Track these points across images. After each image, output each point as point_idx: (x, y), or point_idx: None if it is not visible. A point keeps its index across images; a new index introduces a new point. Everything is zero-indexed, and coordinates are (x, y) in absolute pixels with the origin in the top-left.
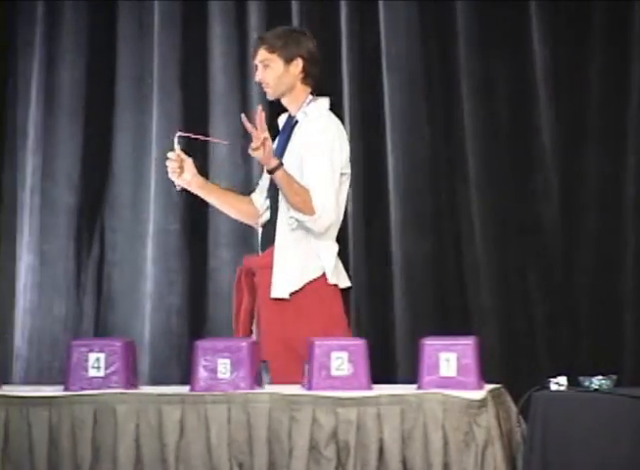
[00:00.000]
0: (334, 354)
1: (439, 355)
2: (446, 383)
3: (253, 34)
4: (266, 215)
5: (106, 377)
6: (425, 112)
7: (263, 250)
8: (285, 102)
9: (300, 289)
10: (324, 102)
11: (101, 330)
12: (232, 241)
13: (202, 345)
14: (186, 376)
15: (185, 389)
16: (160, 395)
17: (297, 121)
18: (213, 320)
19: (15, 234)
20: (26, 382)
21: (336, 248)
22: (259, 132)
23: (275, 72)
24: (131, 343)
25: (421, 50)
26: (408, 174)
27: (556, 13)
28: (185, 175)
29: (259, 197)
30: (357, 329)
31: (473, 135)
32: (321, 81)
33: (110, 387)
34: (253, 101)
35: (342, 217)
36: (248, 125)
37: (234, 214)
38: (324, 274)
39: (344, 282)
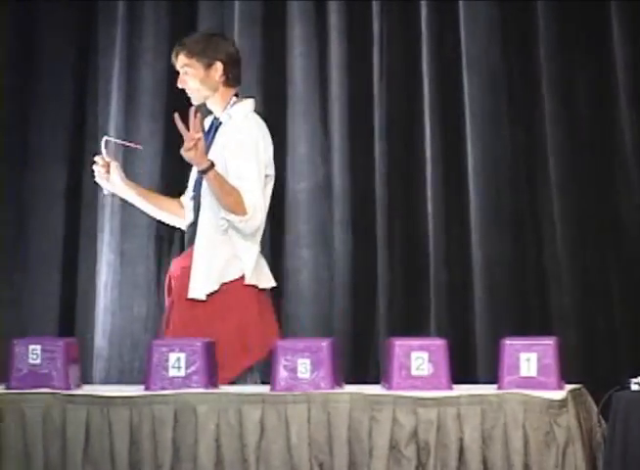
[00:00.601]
0: (414, 354)
1: (520, 356)
2: (527, 383)
3: (334, 34)
4: (190, 217)
5: (186, 377)
6: (505, 112)
7: (187, 251)
8: (209, 104)
9: (216, 290)
10: (248, 103)
11: None
12: (311, 241)
13: (282, 345)
14: (265, 376)
15: (265, 389)
16: (240, 394)
17: (220, 123)
18: (293, 320)
19: (96, 233)
20: (107, 382)
21: (257, 249)
22: (192, 133)
23: (196, 77)
24: (212, 342)
25: (501, 50)
26: (488, 175)
27: (637, 12)
28: (112, 179)
29: (187, 199)
30: (437, 329)
31: (553, 135)
32: (241, 81)
33: (190, 387)
34: (333, 101)
35: (265, 219)
36: (180, 126)
37: (165, 217)
38: (242, 276)
39: (266, 283)
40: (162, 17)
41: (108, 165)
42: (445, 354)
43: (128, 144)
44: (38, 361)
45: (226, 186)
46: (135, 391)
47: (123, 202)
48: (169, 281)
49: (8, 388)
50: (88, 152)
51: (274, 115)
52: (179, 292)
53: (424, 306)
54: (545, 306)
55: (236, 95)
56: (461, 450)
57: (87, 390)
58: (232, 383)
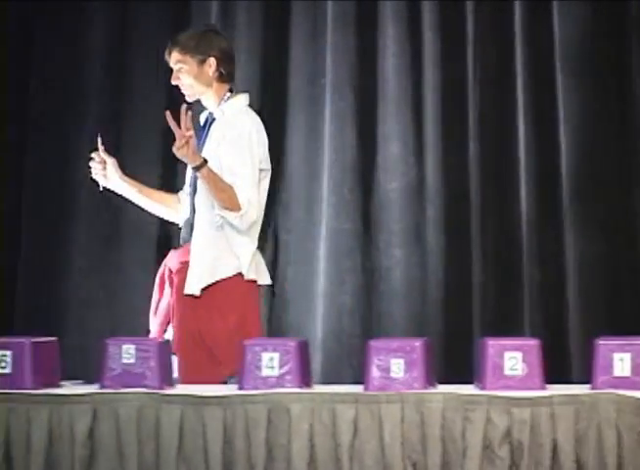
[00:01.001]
0: (507, 354)
1: (613, 356)
2: (620, 383)
3: (428, 34)
4: (186, 213)
5: (280, 377)
6: (599, 111)
7: (184, 246)
8: (203, 100)
9: (213, 285)
10: (242, 98)
11: (275, 330)
12: (404, 240)
13: (375, 344)
14: (357, 375)
15: (358, 388)
16: (333, 394)
17: (214, 119)
18: (386, 319)
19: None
20: None
21: (254, 245)
22: (184, 131)
23: (190, 74)
24: (305, 342)
25: (595, 49)
26: (581, 174)
27: None
28: (110, 175)
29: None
30: (531, 329)
31: None
32: (235, 77)
33: (284, 386)
34: (426, 101)
35: (262, 214)
36: (172, 124)
37: (162, 212)
38: (239, 272)
39: (264, 279)
40: (255, 17)
41: (104, 162)
42: (539, 354)
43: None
44: (132, 361)
45: (219, 183)
46: (228, 390)
47: (122, 198)
48: (164, 272)
49: (101, 387)
50: None
51: (366, 114)
52: (180, 288)
53: (517, 306)
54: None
55: (230, 90)
56: (554, 450)
57: (181, 389)
58: (224, 382)
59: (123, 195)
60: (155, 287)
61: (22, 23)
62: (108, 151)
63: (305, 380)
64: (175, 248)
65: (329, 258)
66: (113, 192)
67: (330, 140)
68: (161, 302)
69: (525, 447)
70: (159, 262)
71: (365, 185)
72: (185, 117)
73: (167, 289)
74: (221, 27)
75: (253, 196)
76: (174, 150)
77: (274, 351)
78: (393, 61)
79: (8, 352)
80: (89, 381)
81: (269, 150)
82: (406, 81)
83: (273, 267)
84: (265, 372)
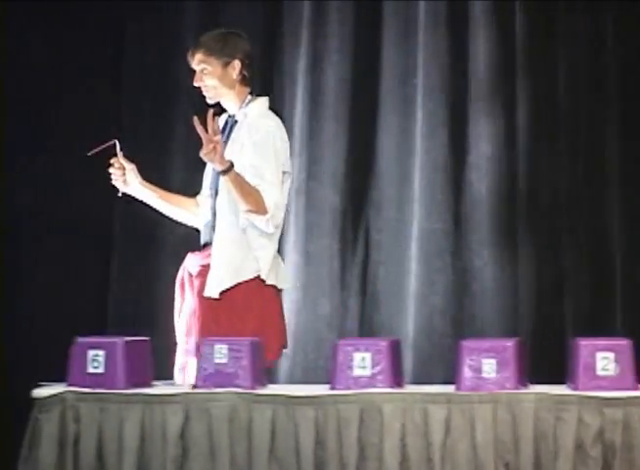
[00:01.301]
0: (599, 355)
1: None
2: None
3: (520, 34)
4: (207, 216)
5: (372, 376)
6: None
7: (204, 249)
8: (224, 103)
9: (234, 288)
10: (263, 101)
11: (366, 329)
12: (495, 239)
13: (467, 345)
14: (448, 375)
15: (450, 388)
16: (425, 394)
17: (236, 121)
18: (478, 320)
19: (281, 234)
20: (291, 381)
21: (273, 249)
22: (211, 135)
23: (214, 75)
24: (397, 342)
25: None
26: None
27: None
28: (129, 181)
29: (203, 198)
30: (623, 329)
31: None
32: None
33: (375, 386)
34: (519, 101)
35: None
36: (199, 128)
37: (182, 217)
38: (259, 275)
39: (284, 283)
40: (347, 17)
41: (124, 168)
42: (631, 354)
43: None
44: (224, 361)
45: (246, 186)
46: (320, 390)
47: (142, 203)
48: (184, 276)
49: (194, 387)
50: None
51: (458, 113)
52: (201, 291)
53: (610, 306)
54: None
55: (250, 93)
56: None
57: (272, 389)
58: None
59: (143, 200)
60: (176, 290)
61: (118, 23)
62: (127, 156)
63: (397, 380)
64: (194, 251)
65: (420, 258)
66: (131, 197)
67: (421, 140)
68: (184, 305)
69: (617, 448)
70: None
71: (456, 185)
72: (212, 121)
73: (188, 292)
74: (313, 27)
75: (279, 199)
76: (202, 154)
77: (366, 350)
78: (484, 61)
79: (101, 352)
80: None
81: (360, 150)
82: (497, 82)
83: (364, 267)
84: (357, 372)
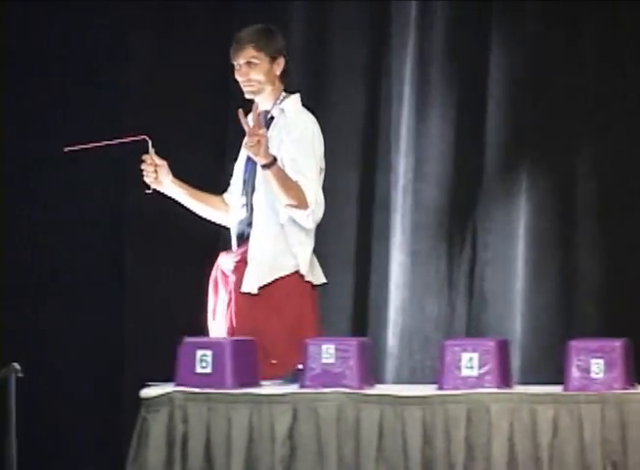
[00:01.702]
0: None
1: None
2: None
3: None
4: (241, 213)
5: (479, 377)
6: None
7: (239, 246)
8: (260, 98)
9: (271, 284)
10: (297, 98)
11: (473, 329)
12: (604, 239)
13: (575, 345)
14: (556, 375)
15: (557, 388)
16: (533, 394)
17: (272, 117)
18: (585, 319)
19: (388, 234)
20: (398, 381)
21: (311, 245)
22: (256, 128)
23: (261, 70)
24: (505, 342)
25: None
26: None
27: None
28: (160, 178)
29: (232, 196)
30: None
31: None
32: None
33: (483, 386)
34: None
35: None
36: (243, 121)
37: (210, 215)
38: (297, 271)
39: (320, 279)
40: (454, 17)
41: (155, 165)
42: None
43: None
44: (332, 361)
45: (288, 181)
46: (427, 390)
47: (172, 200)
48: (217, 275)
49: (301, 387)
50: (382, 153)
51: (563, 113)
52: (237, 287)
53: None
54: None
55: (285, 90)
56: None
57: (380, 389)
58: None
59: (173, 197)
60: (209, 291)
61: (224, 23)
62: (158, 153)
63: (505, 380)
64: (226, 250)
65: (528, 258)
66: (162, 194)
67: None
68: (218, 305)
69: None
70: (358, 261)
71: (563, 183)
72: (257, 114)
73: (222, 291)
74: (419, 26)
75: (320, 195)
76: (246, 148)
77: (473, 351)
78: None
79: (209, 352)
80: (289, 381)
81: (466, 149)
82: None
83: (471, 267)
84: (465, 372)
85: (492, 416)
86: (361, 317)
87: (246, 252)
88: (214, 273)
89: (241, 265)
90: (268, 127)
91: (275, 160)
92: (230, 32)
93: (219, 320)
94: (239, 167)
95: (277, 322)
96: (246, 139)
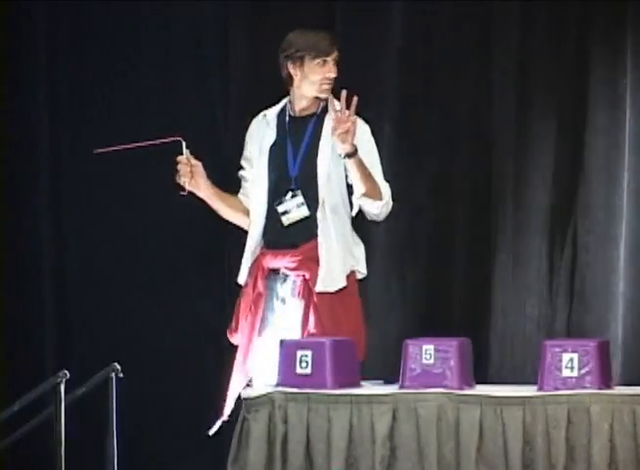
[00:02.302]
0: None
1: None
2: None
3: None
4: (298, 212)
5: (580, 377)
6: None
7: (296, 245)
8: (306, 99)
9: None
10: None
11: (574, 330)
12: None
13: None
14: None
15: None
16: (634, 395)
17: (320, 118)
18: None
19: (489, 234)
20: (499, 381)
21: (362, 244)
22: (347, 116)
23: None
24: (605, 343)
25: None
26: None
27: None
28: (196, 179)
29: (246, 197)
30: None
31: None
32: None
33: (584, 387)
34: None
35: None
36: (333, 108)
37: (233, 217)
38: (354, 270)
39: (363, 273)
40: (556, 17)
41: (190, 165)
42: None
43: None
44: (432, 361)
45: (367, 170)
46: (528, 391)
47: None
48: (258, 275)
49: (401, 388)
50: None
51: None
52: (304, 288)
53: None
54: None
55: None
56: None
57: (480, 390)
58: None
59: (204, 198)
60: (247, 292)
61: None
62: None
63: (605, 381)
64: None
65: (629, 258)
66: (194, 195)
67: (631, 139)
68: (266, 317)
69: None
70: (460, 261)
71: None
72: (348, 102)
73: (278, 292)
74: (522, 27)
75: (388, 189)
76: (335, 134)
77: (574, 351)
78: None
79: (308, 352)
80: (388, 381)
81: (568, 148)
82: None
83: (572, 267)
84: (565, 373)
85: (593, 417)
86: (463, 317)
87: (309, 251)
88: (255, 273)
89: (305, 265)
90: (322, 128)
91: (357, 149)
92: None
93: (288, 326)
94: (261, 173)
95: (346, 326)
96: (333, 125)
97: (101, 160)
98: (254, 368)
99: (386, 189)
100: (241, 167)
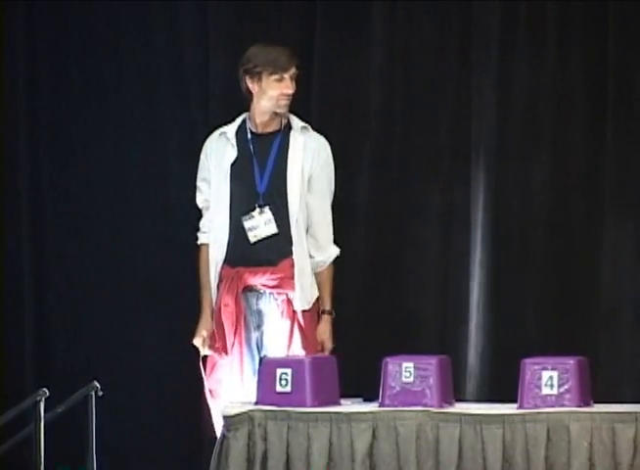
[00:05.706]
0: None
1: None
2: None
3: None
4: (266, 229)
5: (559, 395)
6: None
7: (272, 263)
8: (267, 117)
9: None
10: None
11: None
12: None
13: None
14: (637, 395)
15: (638, 407)
16: (613, 413)
17: (286, 135)
18: None
19: (468, 250)
20: (479, 399)
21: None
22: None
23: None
24: (584, 361)
25: None
26: None
27: None
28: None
29: (210, 235)
30: None
31: None
32: None
33: (563, 405)
34: None
35: None
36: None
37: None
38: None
39: None
40: (595, 18)
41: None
42: None
43: None
44: (411, 379)
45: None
46: (507, 408)
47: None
48: (238, 291)
49: (381, 406)
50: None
51: None
52: (288, 306)
53: None
54: None
55: None
56: None
57: (460, 408)
58: None
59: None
60: (227, 306)
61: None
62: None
63: (584, 398)
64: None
65: None
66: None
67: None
68: (244, 334)
69: None
70: (435, 279)
71: None
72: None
73: (267, 308)
74: (559, 29)
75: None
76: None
77: (553, 369)
78: None
79: (288, 371)
80: (368, 399)
81: None
82: None
83: None
84: (545, 391)
85: (572, 435)
86: (442, 335)
87: (287, 269)
88: (236, 289)
89: (286, 283)
90: (287, 144)
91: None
92: None
93: (268, 343)
94: (223, 191)
95: (307, 343)
96: None
97: (82, 173)
98: (239, 386)
99: (331, 250)
100: (199, 190)
